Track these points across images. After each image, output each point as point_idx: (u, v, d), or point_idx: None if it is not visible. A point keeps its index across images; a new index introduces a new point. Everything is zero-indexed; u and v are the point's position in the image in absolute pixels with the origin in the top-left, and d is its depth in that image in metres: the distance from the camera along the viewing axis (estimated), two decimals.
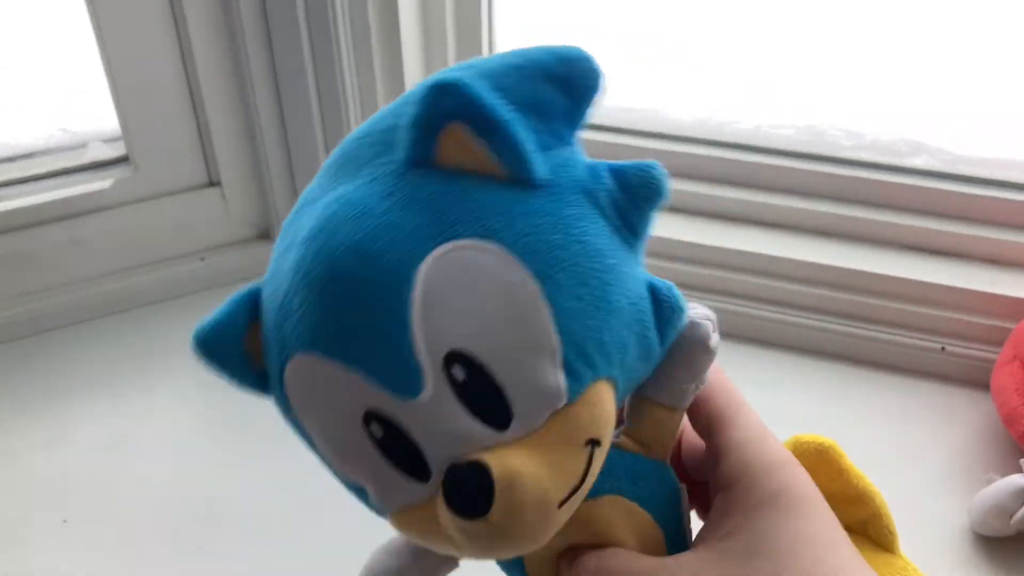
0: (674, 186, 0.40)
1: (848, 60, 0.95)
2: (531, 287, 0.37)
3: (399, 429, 0.38)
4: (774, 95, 0.99)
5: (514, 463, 0.36)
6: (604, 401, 0.39)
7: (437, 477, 0.37)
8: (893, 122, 0.96)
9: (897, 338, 0.92)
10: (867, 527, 0.51)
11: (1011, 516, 0.70)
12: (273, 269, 0.41)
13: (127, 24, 0.94)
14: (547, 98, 0.39)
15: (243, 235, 1.09)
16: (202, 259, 1.07)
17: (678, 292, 0.43)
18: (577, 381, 0.38)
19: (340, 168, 0.41)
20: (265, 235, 1.08)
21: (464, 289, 0.36)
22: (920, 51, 0.92)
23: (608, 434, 0.40)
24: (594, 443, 0.39)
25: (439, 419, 0.37)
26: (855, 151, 0.97)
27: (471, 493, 0.36)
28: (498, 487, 0.36)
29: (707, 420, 0.46)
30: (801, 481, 0.43)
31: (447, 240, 0.36)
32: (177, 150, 1.03)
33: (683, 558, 0.42)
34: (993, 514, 0.72)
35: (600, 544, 0.44)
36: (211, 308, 0.42)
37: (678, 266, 0.96)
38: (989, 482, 0.74)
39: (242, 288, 0.42)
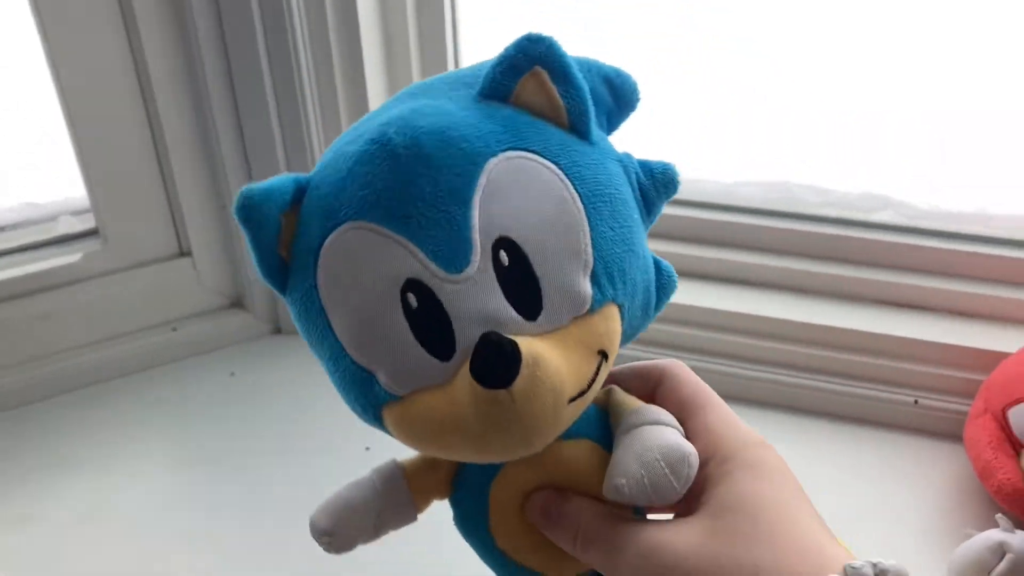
0: None
1: (813, 116, 0.96)
2: (578, 205, 0.43)
3: (435, 301, 0.41)
4: (741, 153, 1.00)
5: (539, 348, 0.40)
6: (616, 320, 0.44)
7: (460, 357, 0.41)
8: (858, 178, 0.97)
9: (871, 392, 0.93)
10: None
11: (989, 572, 0.69)
12: (330, 157, 0.45)
13: (94, 97, 0.95)
14: (601, 93, 0.48)
15: (215, 304, 1.09)
16: (174, 329, 1.07)
17: (673, 272, 0.49)
18: (601, 294, 0.43)
19: (413, 95, 0.46)
20: (237, 303, 1.08)
21: (524, 189, 0.42)
22: (883, 106, 0.93)
23: (614, 353, 0.44)
24: (603, 355, 0.43)
25: (477, 296, 0.41)
26: (822, 207, 0.98)
27: (500, 361, 0.39)
28: (524, 361, 0.39)
29: (679, 406, 0.48)
30: (773, 456, 0.46)
31: (516, 149, 0.42)
32: (147, 221, 1.04)
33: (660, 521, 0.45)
34: (973, 570, 0.72)
35: (567, 486, 0.46)
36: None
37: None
38: (967, 537, 0.73)
39: (289, 174, 0.45)
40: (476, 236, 0.41)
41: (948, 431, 0.89)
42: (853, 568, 0.39)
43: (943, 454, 0.88)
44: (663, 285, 0.48)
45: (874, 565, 0.39)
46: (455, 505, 0.50)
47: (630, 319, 0.46)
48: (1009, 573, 0.67)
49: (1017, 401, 0.76)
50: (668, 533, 0.43)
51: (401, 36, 0.97)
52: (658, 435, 0.45)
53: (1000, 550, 0.68)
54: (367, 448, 0.77)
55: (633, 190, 0.47)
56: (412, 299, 0.41)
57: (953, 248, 0.93)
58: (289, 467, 0.85)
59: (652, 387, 0.50)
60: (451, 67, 1.00)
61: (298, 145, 0.97)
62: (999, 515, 0.71)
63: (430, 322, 0.41)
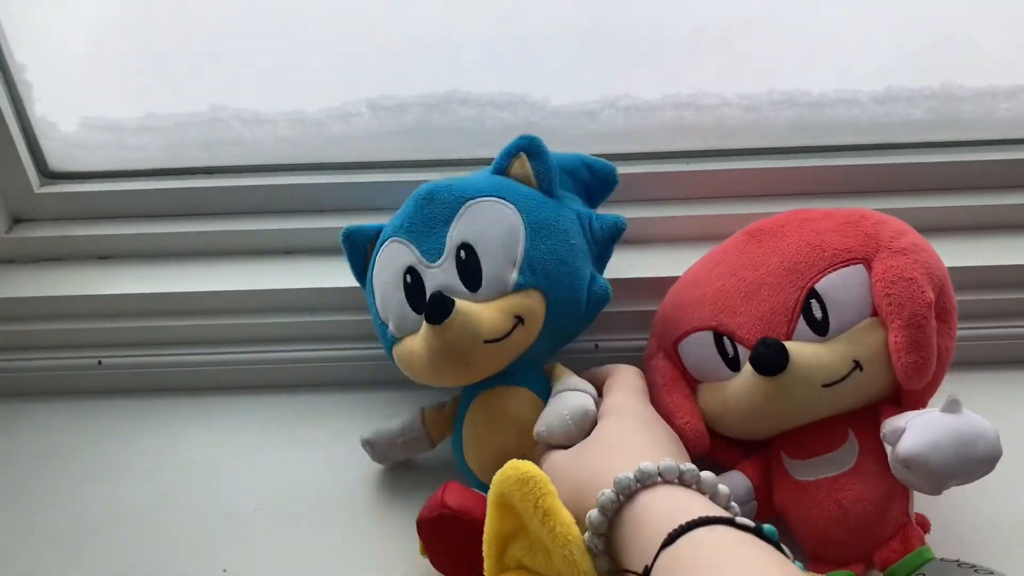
0: None
1: None
2: (520, 227, 0.68)
3: (420, 280, 0.69)
4: None
5: (469, 305, 0.65)
6: (536, 299, 0.68)
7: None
8: None
9: None
10: None
11: None
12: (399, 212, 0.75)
13: None
14: (581, 173, 0.76)
15: None
16: None
17: (608, 287, 0.72)
18: (523, 280, 0.67)
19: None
20: None
21: (486, 218, 0.69)
22: None
23: (532, 320, 0.67)
24: (520, 319, 0.67)
25: (443, 276, 0.68)
26: None
27: (440, 305, 0.64)
28: (456, 310, 0.64)
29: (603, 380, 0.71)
30: (628, 405, 0.66)
31: (492, 196, 0.70)
32: None
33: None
34: None
35: (509, 422, 0.68)
36: None
37: None
38: None
39: (377, 224, 0.76)
40: (448, 243, 0.69)
41: None
42: (619, 478, 0.53)
43: None
44: (595, 292, 0.71)
45: (660, 473, 0.53)
46: (451, 438, 0.74)
47: (555, 306, 0.68)
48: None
49: (685, 334, 0.72)
50: (557, 454, 0.64)
51: None
52: (573, 398, 0.66)
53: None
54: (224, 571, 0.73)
55: (584, 231, 0.72)
56: (408, 278, 0.70)
57: None
58: None
59: (603, 378, 0.71)
60: None
61: None
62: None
63: (416, 292, 0.69)
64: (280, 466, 0.80)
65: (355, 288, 0.79)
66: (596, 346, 0.85)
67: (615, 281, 0.79)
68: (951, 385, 0.65)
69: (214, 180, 0.89)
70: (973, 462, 0.58)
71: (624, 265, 0.84)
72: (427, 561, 0.67)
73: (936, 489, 0.59)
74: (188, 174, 0.90)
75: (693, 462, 0.68)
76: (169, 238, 0.89)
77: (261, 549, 0.73)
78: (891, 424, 0.61)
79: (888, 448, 0.61)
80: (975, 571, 0.57)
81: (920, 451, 0.57)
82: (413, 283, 0.70)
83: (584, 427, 0.64)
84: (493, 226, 0.68)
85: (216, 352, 0.88)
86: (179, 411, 0.86)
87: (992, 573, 0.57)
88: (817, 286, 0.66)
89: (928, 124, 0.87)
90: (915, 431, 0.59)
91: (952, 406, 0.59)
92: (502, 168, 0.73)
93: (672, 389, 0.71)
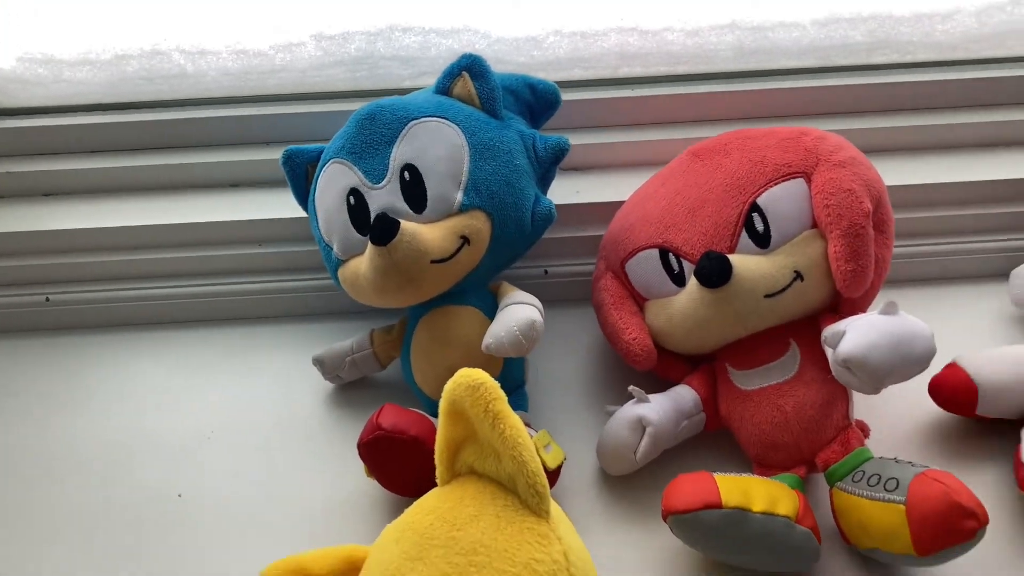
0: None
1: None
2: (464, 148, 0.68)
3: (364, 201, 0.68)
4: None
5: (414, 226, 0.65)
6: (479, 220, 0.67)
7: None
8: None
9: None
10: (516, 483, 0.52)
11: (634, 452, 0.67)
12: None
13: None
14: (524, 93, 0.75)
15: None
16: None
17: (552, 206, 0.71)
18: (468, 201, 0.67)
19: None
20: None
21: (430, 137, 0.68)
22: None
23: (477, 240, 0.67)
24: (465, 240, 0.66)
25: (387, 197, 0.67)
26: None
27: (385, 226, 0.63)
28: (401, 229, 0.63)
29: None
30: None
31: (434, 117, 0.69)
32: None
33: None
34: (618, 456, 0.68)
35: (456, 340, 0.69)
36: None
37: None
38: (609, 416, 0.70)
39: (318, 145, 0.75)
40: (392, 163, 0.68)
41: (576, 296, 0.83)
42: None
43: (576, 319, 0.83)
44: (540, 213, 0.70)
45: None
46: (400, 359, 0.74)
47: (500, 226, 0.68)
48: (651, 448, 0.67)
49: (632, 253, 0.72)
50: None
51: None
52: (520, 311, 0.66)
53: (639, 425, 0.68)
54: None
55: (528, 151, 0.71)
56: (351, 200, 0.69)
57: None
58: None
59: None
60: None
61: None
62: (632, 387, 0.69)
63: (360, 213, 0.68)
64: (232, 395, 0.80)
65: (304, 219, 0.78)
66: (546, 272, 0.85)
67: (563, 207, 0.80)
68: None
69: (157, 113, 0.87)
70: (910, 360, 0.59)
71: (571, 191, 0.85)
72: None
73: (875, 388, 0.60)
74: (130, 108, 0.88)
75: (641, 378, 0.71)
76: (114, 173, 0.87)
77: (215, 474, 0.73)
78: (831, 328, 0.62)
79: (829, 351, 0.63)
80: (912, 465, 0.59)
81: (859, 351, 0.59)
82: (356, 205, 0.69)
83: (532, 337, 0.64)
84: (437, 147, 0.68)
85: (165, 286, 0.86)
86: (130, 346, 0.85)
87: (927, 467, 0.58)
88: (759, 200, 0.66)
89: (868, 47, 0.88)
90: (854, 333, 0.60)
91: (890, 308, 0.61)
92: (444, 88, 0.72)
93: (619, 307, 0.72)
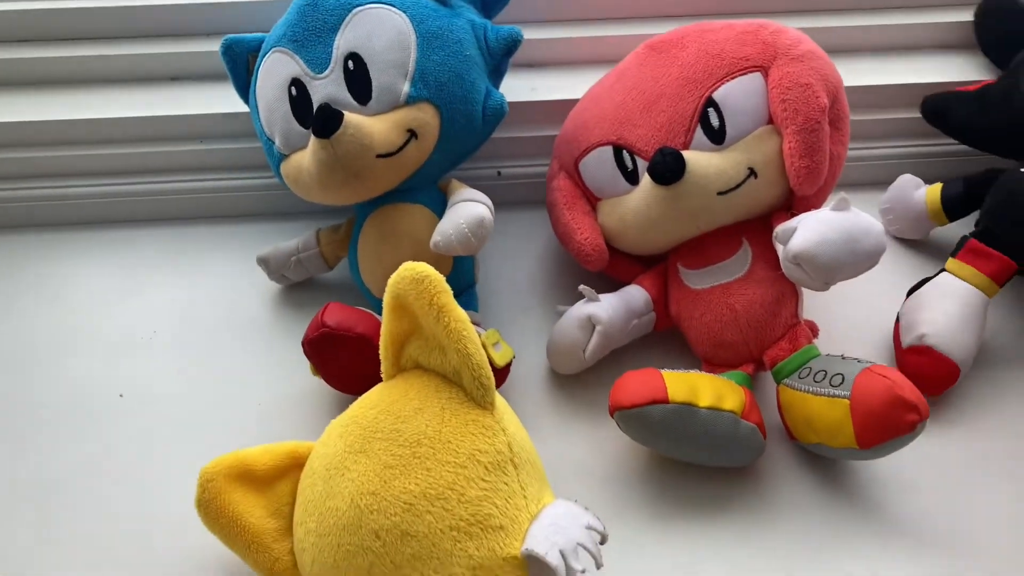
0: None
1: None
2: (412, 37, 0.65)
3: (306, 92, 0.65)
4: None
5: (359, 119, 0.62)
6: (429, 113, 0.65)
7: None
8: None
9: None
10: (461, 376, 0.52)
11: (583, 350, 0.67)
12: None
13: None
14: None
15: None
16: None
17: (503, 100, 0.69)
18: (416, 92, 0.64)
19: None
20: None
21: (375, 25, 0.65)
22: None
23: (425, 133, 0.65)
24: (412, 133, 0.64)
25: (330, 88, 0.65)
26: None
27: (328, 118, 0.61)
28: (345, 121, 0.61)
29: None
30: None
31: (380, 4, 0.65)
32: None
33: None
34: (568, 355, 0.68)
35: (405, 237, 0.67)
36: None
37: None
38: (559, 316, 0.70)
39: (259, 34, 0.72)
40: (335, 52, 0.65)
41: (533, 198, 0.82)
42: None
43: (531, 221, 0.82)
44: (491, 107, 0.68)
45: None
46: (348, 258, 0.72)
47: (450, 120, 0.66)
48: (600, 346, 0.67)
49: (586, 151, 0.71)
50: None
51: None
52: (469, 207, 0.65)
53: (589, 324, 0.67)
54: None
55: (479, 42, 0.68)
56: (293, 90, 0.66)
57: None
58: None
59: None
60: None
61: None
62: (582, 286, 0.69)
63: (302, 105, 0.66)
64: (174, 296, 0.78)
65: (245, 114, 0.75)
66: (499, 172, 0.83)
67: (517, 105, 0.78)
68: None
69: (91, 0, 0.83)
70: (860, 255, 0.59)
71: (526, 88, 0.83)
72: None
73: (825, 284, 0.60)
74: None
75: (593, 279, 0.70)
76: (46, 63, 0.83)
77: (157, 374, 0.72)
78: (783, 225, 0.62)
79: (779, 247, 0.62)
80: (858, 362, 0.60)
81: (809, 247, 0.59)
82: (299, 96, 0.66)
83: (481, 235, 0.63)
84: (383, 35, 0.65)
85: (105, 184, 0.84)
86: (65, 246, 0.83)
87: (873, 363, 0.59)
88: (715, 95, 0.65)
89: None
90: (805, 228, 0.60)
91: (841, 204, 0.60)
92: None
93: (572, 207, 0.72)
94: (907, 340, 0.68)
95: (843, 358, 0.61)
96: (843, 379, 0.59)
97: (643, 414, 0.60)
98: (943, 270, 0.70)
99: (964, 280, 0.68)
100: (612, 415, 0.62)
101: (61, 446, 0.68)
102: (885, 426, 0.57)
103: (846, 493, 0.64)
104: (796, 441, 0.64)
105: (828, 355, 0.63)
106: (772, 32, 0.67)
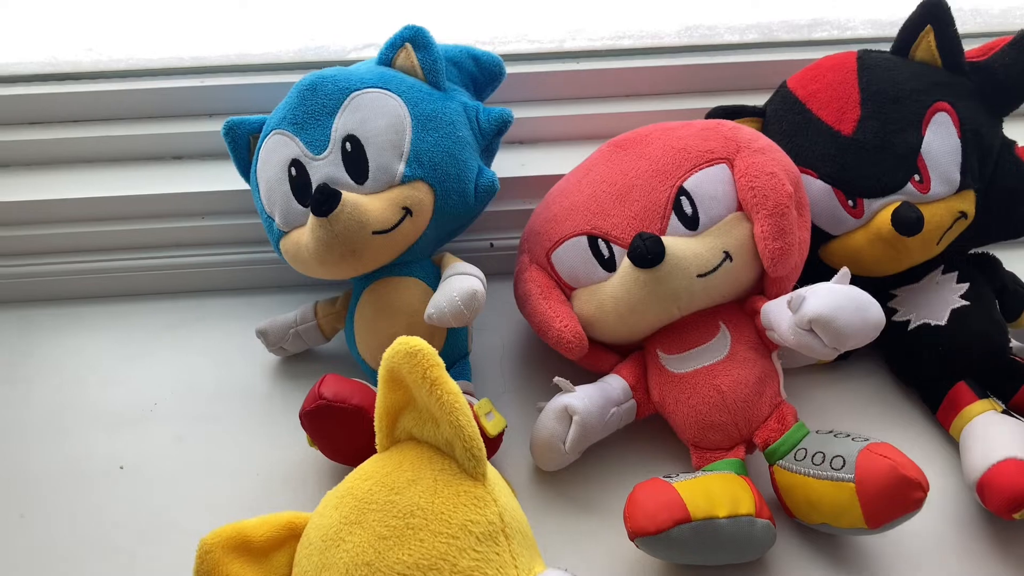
0: None
1: None
2: (407, 119, 0.69)
3: (305, 172, 0.69)
4: None
5: (356, 197, 0.66)
6: (421, 191, 0.69)
7: None
8: None
9: None
10: (453, 448, 0.54)
11: (563, 442, 0.68)
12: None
13: None
14: (467, 65, 0.76)
15: None
16: None
17: (495, 178, 0.72)
18: (411, 172, 0.68)
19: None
20: None
21: (371, 108, 0.69)
22: None
23: (420, 212, 0.69)
24: (407, 210, 0.68)
25: (328, 168, 0.69)
26: None
27: (326, 197, 0.64)
28: (343, 200, 0.64)
29: None
30: None
31: (376, 88, 0.70)
32: None
33: None
34: (549, 449, 0.69)
35: (400, 311, 0.71)
36: None
37: None
38: (540, 413, 0.71)
39: (260, 116, 0.76)
40: (334, 134, 0.69)
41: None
42: None
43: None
44: (483, 184, 0.72)
45: None
46: (344, 330, 0.75)
47: (443, 198, 0.69)
48: (579, 437, 0.68)
49: (559, 242, 0.73)
50: None
51: None
52: (461, 281, 0.68)
53: (566, 415, 0.68)
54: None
55: (471, 123, 0.72)
56: (293, 171, 0.70)
57: None
58: None
59: None
60: None
61: None
62: (556, 378, 0.70)
63: (301, 184, 0.70)
64: (176, 368, 0.81)
65: (246, 191, 0.79)
66: (491, 244, 0.87)
67: (509, 180, 0.82)
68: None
69: (99, 84, 0.87)
70: (870, 324, 0.61)
71: (516, 164, 0.87)
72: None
73: (835, 350, 0.62)
74: (71, 79, 0.88)
75: (573, 373, 0.72)
76: (55, 144, 0.87)
77: (158, 446, 0.75)
78: (791, 294, 0.64)
79: (784, 317, 0.64)
80: (851, 439, 0.62)
81: (826, 311, 0.60)
82: (298, 176, 0.70)
83: (474, 307, 0.66)
84: (379, 118, 0.69)
85: (109, 259, 0.87)
86: (72, 319, 0.86)
87: (868, 439, 0.61)
88: (686, 184, 0.69)
89: (809, 23, 0.91)
90: (818, 295, 0.62)
91: (843, 277, 0.63)
92: (387, 59, 0.73)
93: (548, 296, 0.73)
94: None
95: (834, 435, 0.63)
96: (844, 462, 0.60)
97: (668, 538, 0.59)
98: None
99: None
100: (633, 540, 0.61)
101: (62, 517, 0.70)
102: (894, 506, 0.59)
103: (856, 566, 0.66)
104: (796, 519, 0.66)
105: (818, 432, 0.65)
106: (731, 128, 0.72)
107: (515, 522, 0.54)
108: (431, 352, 0.52)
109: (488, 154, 0.76)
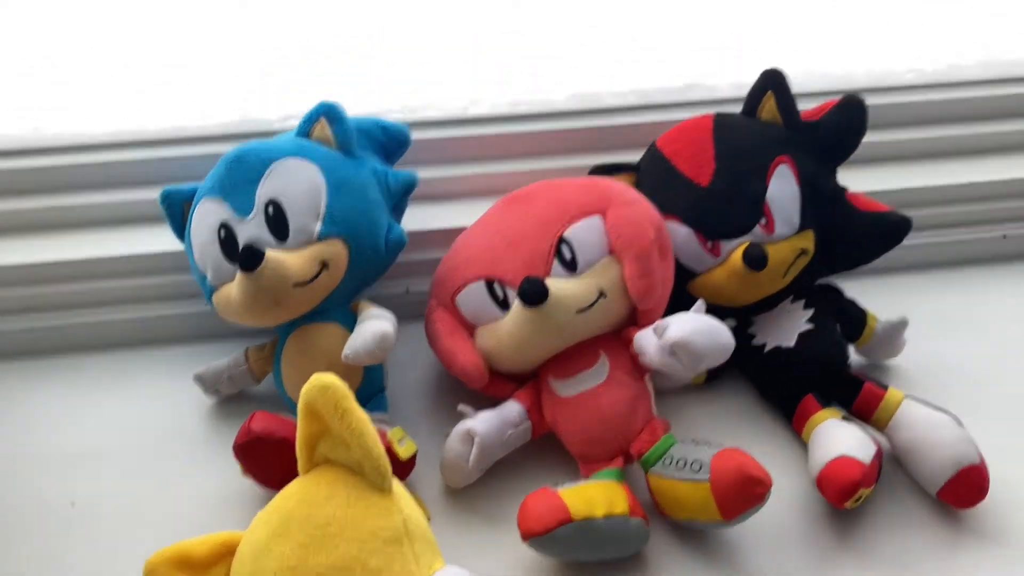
0: None
1: None
2: (323, 184, 0.79)
3: (232, 234, 0.79)
4: None
5: (278, 255, 0.75)
6: (337, 247, 0.79)
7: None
8: None
9: None
10: (363, 467, 0.61)
11: (467, 461, 0.78)
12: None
13: None
14: (376, 134, 0.87)
15: None
16: None
17: (403, 233, 0.83)
18: (326, 230, 0.78)
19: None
20: None
21: (291, 175, 0.79)
22: None
23: (335, 265, 0.78)
24: (324, 264, 0.78)
25: (253, 229, 0.78)
26: None
27: (251, 255, 0.73)
28: (266, 258, 0.74)
29: None
30: None
31: (295, 157, 0.80)
32: None
33: None
34: (456, 469, 0.79)
35: (320, 353, 0.80)
36: None
37: None
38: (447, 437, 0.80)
39: (193, 184, 0.85)
40: (258, 200, 0.79)
41: None
42: None
43: None
44: (392, 239, 0.82)
45: None
46: (273, 372, 0.85)
47: (357, 252, 0.80)
48: (480, 456, 0.77)
49: (461, 287, 0.83)
50: None
51: None
52: (374, 324, 0.77)
53: (468, 437, 0.78)
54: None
55: (381, 186, 0.83)
56: (222, 232, 0.80)
57: None
58: None
59: None
60: None
61: None
62: (460, 406, 0.80)
63: (230, 244, 0.79)
64: (121, 414, 0.89)
65: (182, 251, 0.87)
66: (407, 290, 0.97)
67: (421, 233, 0.92)
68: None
69: (47, 158, 0.96)
70: (720, 347, 0.73)
71: (428, 218, 0.97)
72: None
73: (693, 371, 0.73)
74: (17, 155, 0.97)
75: (476, 400, 0.82)
76: (8, 215, 0.96)
77: (107, 483, 0.82)
78: (656, 324, 0.75)
79: (651, 343, 0.75)
80: (708, 445, 0.73)
81: (686, 335, 0.72)
82: (227, 237, 0.79)
83: (385, 347, 0.76)
84: (298, 184, 0.79)
85: (59, 319, 0.96)
86: (19, 374, 0.94)
87: (723, 445, 0.72)
88: (565, 234, 0.80)
89: (683, 88, 1.04)
90: (679, 323, 0.73)
91: (700, 307, 0.75)
92: (305, 132, 0.83)
93: (452, 334, 0.83)
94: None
95: (696, 444, 0.74)
96: (701, 465, 0.71)
97: (554, 537, 0.69)
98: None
99: None
100: (525, 541, 0.70)
101: (14, 551, 0.77)
102: (742, 500, 0.69)
103: (720, 554, 0.76)
104: (668, 517, 0.76)
105: (683, 442, 0.76)
106: (605, 184, 0.84)
107: (417, 528, 0.63)
108: (341, 386, 0.61)
109: (398, 212, 0.87)
